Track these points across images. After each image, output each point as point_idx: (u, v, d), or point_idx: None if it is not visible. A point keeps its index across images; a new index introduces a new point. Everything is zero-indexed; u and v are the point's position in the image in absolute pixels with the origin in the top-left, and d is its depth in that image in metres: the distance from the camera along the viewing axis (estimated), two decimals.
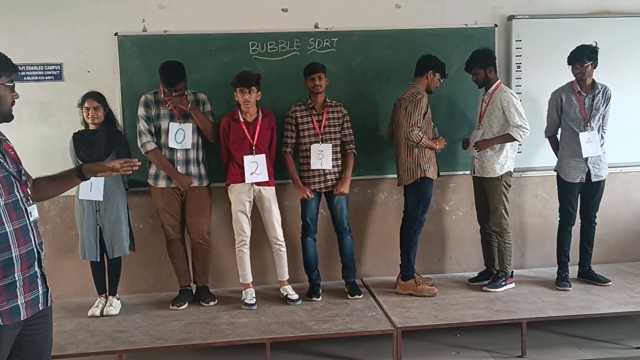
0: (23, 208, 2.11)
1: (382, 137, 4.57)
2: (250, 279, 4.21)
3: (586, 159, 4.27)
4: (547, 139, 4.51)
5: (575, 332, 4.04)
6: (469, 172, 4.59)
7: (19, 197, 2.10)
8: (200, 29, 4.40)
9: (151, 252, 4.56)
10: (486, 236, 4.49)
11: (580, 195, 4.39)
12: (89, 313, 4.02)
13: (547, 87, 4.44)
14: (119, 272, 4.16)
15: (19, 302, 2.07)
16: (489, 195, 4.34)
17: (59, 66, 4.33)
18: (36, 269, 2.14)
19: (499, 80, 4.32)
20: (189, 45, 4.37)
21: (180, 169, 4.07)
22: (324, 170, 4.17)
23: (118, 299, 4.16)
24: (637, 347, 3.84)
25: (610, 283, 4.37)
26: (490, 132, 4.27)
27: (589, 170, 4.28)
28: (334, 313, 3.97)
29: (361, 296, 4.25)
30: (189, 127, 4.05)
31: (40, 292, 2.16)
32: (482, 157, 4.30)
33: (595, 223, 4.45)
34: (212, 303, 4.20)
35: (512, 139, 4.20)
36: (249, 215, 4.16)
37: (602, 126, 4.33)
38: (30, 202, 2.17)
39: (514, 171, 4.41)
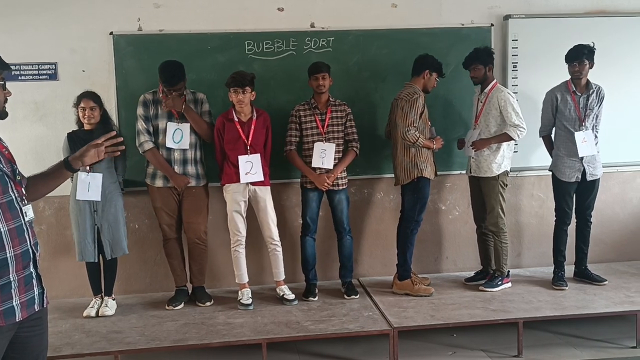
0: (18, 208, 2.09)
1: (378, 137, 4.56)
2: (246, 279, 4.20)
3: (581, 158, 4.28)
4: (541, 138, 4.51)
5: (572, 331, 4.05)
6: (464, 172, 4.59)
7: (13, 197, 2.08)
8: (196, 28, 4.39)
9: (147, 252, 4.54)
10: (482, 236, 4.49)
11: (575, 194, 4.39)
12: (85, 314, 4.00)
13: (544, 87, 4.44)
14: (114, 273, 4.14)
15: (14, 303, 2.05)
16: (485, 194, 4.34)
17: (53, 65, 4.31)
18: (31, 270, 2.12)
19: (495, 80, 4.32)
20: (185, 44, 4.36)
21: (177, 168, 4.06)
22: (325, 169, 4.16)
23: (114, 300, 4.15)
24: (633, 346, 3.85)
25: (606, 282, 4.37)
26: (487, 132, 4.27)
27: (584, 169, 4.29)
28: (330, 313, 3.96)
29: (357, 296, 4.25)
30: (186, 127, 4.04)
31: (36, 293, 2.13)
32: (478, 156, 4.30)
33: (591, 222, 4.46)
34: (208, 303, 4.18)
35: (509, 138, 4.20)
36: (244, 215, 4.14)
37: (596, 126, 4.33)
38: (25, 202, 2.14)
39: (510, 171, 4.41)
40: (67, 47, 4.30)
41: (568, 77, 4.30)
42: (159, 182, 4.10)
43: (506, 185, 4.36)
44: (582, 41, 4.23)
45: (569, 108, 4.27)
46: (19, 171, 2.17)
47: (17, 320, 2.06)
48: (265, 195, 4.14)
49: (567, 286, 4.31)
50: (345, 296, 4.25)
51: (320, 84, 4.12)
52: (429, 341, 3.98)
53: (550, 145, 4.47)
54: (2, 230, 2.02)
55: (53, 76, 4.32)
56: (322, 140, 4.17)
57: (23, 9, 4.24)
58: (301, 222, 4.34)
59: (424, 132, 4.20)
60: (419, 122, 4.14)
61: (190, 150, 4.08)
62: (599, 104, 4.29)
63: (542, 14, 4.72)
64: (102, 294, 4.13)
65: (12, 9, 4.22)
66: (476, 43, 4.42)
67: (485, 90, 4.29)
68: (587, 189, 4.36)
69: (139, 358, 3.76)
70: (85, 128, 3.97)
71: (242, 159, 4.02)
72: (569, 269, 4.49)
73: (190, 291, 4.31)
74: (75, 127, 4.02)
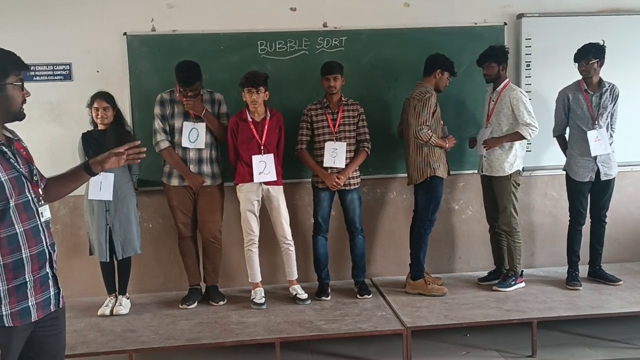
0: (34, 208, 2.09)
1: (391, 137, 4.55)
2: (259, 279, 4.21)
3: (595, 158, 4.24)
4: (555, 138, 4.49)
5: (586, 331, 4.02)
6: (476, 172, 4.57)
7: (29, 197, 2.08)
8: (209, 28, 4.40)
9: (161, 251, 4.57)
10: (495, 235, 4.47)
11: (590, 194, 4.36)
12: (99, 312, 4.03)
13: (557, 86, 4.42)
14: (128, 272, 4.17)
15: (30, 304, 2.06)
16: (497, 194, 4.32)
17: (68, 66, 4.35)
18: (47, 270, 2.12)
19: (508, 79, 4.31)
20: (198, 44, 4.37)
21: (192, 167, 4.08)
22: (336, 168, 4.17)
23: (128, 299, 4.17)
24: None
25: (620, 282, 4.34)
26: (499, 131, 4.25)
27: (598, 169, 4.26)
28: (343, 313, 3.96)
29: (370, 296, 4.24)
30: (202, 126, 4.06)
31: (52, 293, 2.14)
32: (490, 155, 4.28)
33: (606, 222, 4.43)
34: (221, 302, 4.20)
35: (521, 137, 4.18)
36: (258, 215, 4.16)
37: (611, 125, 4.30)
38: (42, 202, 2.14)
39: (523, 170, 4.38)
40: (82, 48, 4.34)
41: (581, 75, 4.28)
42: (174, 181, 4.13)
43: (519, 184, 4.34)
44: (595, 40, 4.19)
45: (581, 107, 4.24)
46: (36, 172, 2.17)
47: (33, 320, 2.07)
48: (278, 194, 4.15)
49: (581, 286, 4.28)
50: (358, 296, 4.25)
51: (332, 85, 4.12)
52: (443, 341, 3.97)
53: (564, 145, 4.44)
54: (17, 230, 2.02)
55: (68, 76, 4.35)
56: (333, 140, 4.18)
57: (38, 10, 4.28)
58: (313, 221, 4.35)
59: (437, 131, 4.19)
60: (431, 121, 4.13)
61: (205, 150, 4.09)
62: (613, 102, 4.26)
63: (556, 13, 4.70)
64: (116, 292, 4.16)
65: (27, 11, 4.26)
66: (489, 42, 4.40)
67: (497, 89, 4.27)
68: (601, 189, 4.32)
69: (153, 357, 3.78)
70: (99, 128, 4.00)
71: (256, 159, 4.03)
72: (583, 269, 4.46)
73: (203, 290, 4.32)
74: (90, 127, 4.05)
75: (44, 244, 2.11)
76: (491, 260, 4.57)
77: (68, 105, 4.35)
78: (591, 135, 4.22)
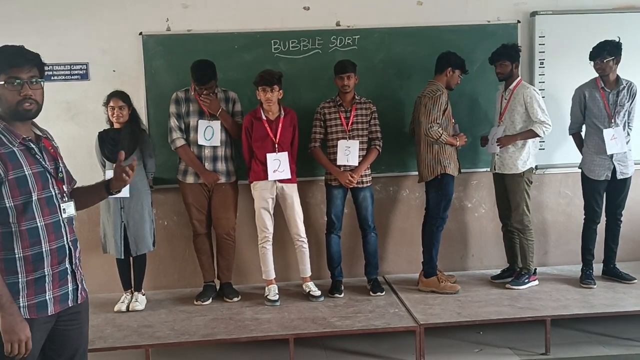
0: (57, 204, 2.14)
1: (403, 135, 4.56)
2: (273, 275, 4.25)
3: (611, 156, 4.22)
4: (571, 136, 4.47)
5: (600, 330, 4.00)
6: (489, 170, 4.57)
7: (53, 193, 2.13)
8: (223, 27, 4.44)
9: (175, 248, 4.62)
10: (508, 233, 4.47)
11: (605, 192, 4.33)
12: (115, 308, 4.09)
13: (571, 84, 4.40)
14: (144, 269, 4.22)
15: (47, 297, 2.10)
16: (510, 192, 4.31)
17: (85, 66, 4.41)
18: (67, 266, 2.16)
19: (520, 77, 4.30)
20: (212, 44, 4.41)
21: (207, 165, 4.13)
22: (350, 166, 4.19)
23: (143, 295, 4.23)
24: None
25: (635, 281, 4.32)
26: (513, 129, 4.25)
27: (614, 167, 4.23)
28: (356, 310, 3.98)
29: (383, 293, 4.26)
30: (217, 124, 4.10)
31: (70, 288, 2.18)
32: (503, 153, 4.28)
33: (621, 221, 4.40)
34: (235, 299, 4.24)
35: (534, 135, 4.18)
36: (272, 212, 4.19)
37: (628, 122, 4.27)
38: (66, 199, 2.19)
39: (536, 168, 4.37)
40: (98, 48, 4.40)
41: (595, 73, 4.25)
42: (190, 179, 4.18)
43: (531, 182, 4.34)
44: (610, 37, 4.16)
45: (598, 105, 4.22)
46: (62, 169, 2.21)
47: (49, 314, 2.11)
48: (292, 192, 4.18)
49: (595, 284, 4.27)
50: (371, 293, 4.27)
51: (345, 84, 4.14)
52: (456, 338, 3.97)
53: (580, 143, 4.42)
54: (38, 224, 2.08)
55: (84, 76, 4.41)
56: (346, 138, 4.20)
57: (55, 11, 4.34)
58: (326, 219, 4.38)
59: (447, 129, 4.19)
60: (442, 119, 4.14)
61: (220, 148, 4.14)
62: (630, 100, 4.22)
63: (569, 10, 4.67)
64: (132, 289, 4.21)
65: (45, 11, 4.33)
66: (502, 40, 4.39)
67: (510, 87, 4.26)
68: (617, 188, 4.30)
69: (169, 352, 3.82)
70: (115, 127, 4.05)
71: (270, 157, 4.07)
72: (597, 267, 4.44)
73: (218, 287, 4.36)
74: (106, 126, 4.11)
75: (65, 240, 2.16)
76: (504, 258, 4.57)
77: (85, 105, 4.41)
78: (607, 133, 4.19)
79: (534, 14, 4.64)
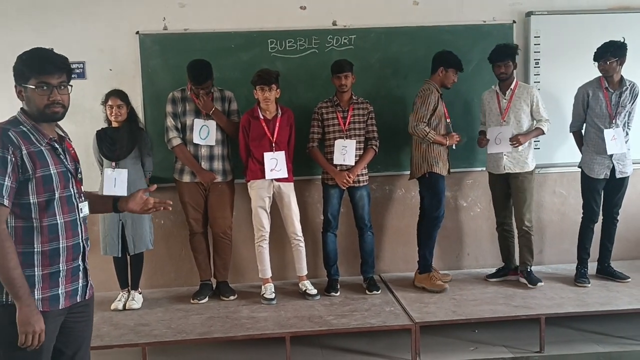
0: (75, 203, 2.22)
1: (400, 134, 4.56)
2: (269, 274, 4.26)
3: (611, 155, 4.24)
4: (571, 134, 4.48)
5: (594, 328, 4.03)
6: (485, 169, 4.58)
7: (72, 192, 2.22)
8: (220, 27, 4.45)
9: (172, 247, 4.63)
10: (504, 232, 4.49)
11: (604, 191, 4.36)
12: (112, 307, 4.10)
13: (566, 84, 4.44)
14: (141, 267, 4.23)
15: (60, 292, 2.17)
16: (521, 190, 4.30)
17: (82, 64, 4.41)
18: (79, 263, 2.24)
19: (515, 77, 4.33)
20: (209, 43, 4.42)
21: (204, 164, 4.14)
22: (346, 166, 4.21)
23: (140, 293, 4.24)
24: None
25: (629, 280, 4.35)
26: (519, 128, 4.27)
27: (613, 166, 4.26)
28: (352, 308, 4.00)
29: (379, 292, 4.28)
30: (213, 123, 4.11)
31: (80, 285, 2.25)
32: (513, 152, 4.27)
33: (617, 220, 4.42)
34: (232, 297, 4.26)
35: (542, 132, 4.25)
36: (269, 211, 4.21)
37: (628, 123, 4.29)
38: (82, 199, 2.27)
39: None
40: (95, 47, 4.40)
41: (590, 73, 4.27)
42: (186, 178, 4.19)
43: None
44: (604, 38, 4.17)
45: (600, 104, 4.23)
46: (80, 170, 2.31)
47: (60, 308, 2.17)
48: (289, 191, 4.19)
49: (589, 283, 4.29)
50: (367, 291, 4.29)
51: (343, 84, 4.16)
52: (451, 337, 4.00)
53: (580, 141, 4.44)
54: (58, 221, 2.15)
55: (81, 75, 4.41)
56: (343, 138, 4.21)
57: (52, 9, 4.34)
58: (323, 218, 4.39)
59: (438, 128, 4.21)
60: (432, 118, 4.16)
61: (217, 147, 4.15)
62: (632, 101, 4.24)
63: (565, 11, 4.70)
64: (129, 287, 4.22)
65: (41, 9, 4.33)
66: (498, 40, 4.42)
67: (511, 87, 4.27)
68: (615, 187, 4.32)
69: (165, 350, 3.84)
70: (113, 125, 4.06)
71: (268, 156, 4.08)
72: (592, 266, 4.47)
73: (214, 286, 4.38)
74: (103, 125, 4.11)
75: (80, 238, 2.24)
76: (499, 257, 4.59)
77: (82, 103, 4.39)
78: (608, 133, 4.20)
79: (529, 14, 4.66)
